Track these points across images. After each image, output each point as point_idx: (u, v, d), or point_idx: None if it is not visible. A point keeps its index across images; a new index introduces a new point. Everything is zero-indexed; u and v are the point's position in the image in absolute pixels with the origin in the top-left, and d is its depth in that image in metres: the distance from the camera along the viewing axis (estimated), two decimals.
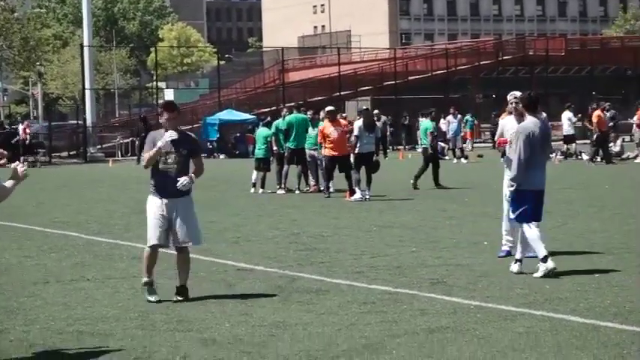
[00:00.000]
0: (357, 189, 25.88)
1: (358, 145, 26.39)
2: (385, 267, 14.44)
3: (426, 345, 9.52)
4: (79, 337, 10.19)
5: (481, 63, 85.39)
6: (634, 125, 43.78)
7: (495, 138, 16.62)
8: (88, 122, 59.48)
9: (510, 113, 15.51)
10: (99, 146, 59.49)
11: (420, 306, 11.44)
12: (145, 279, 12.36)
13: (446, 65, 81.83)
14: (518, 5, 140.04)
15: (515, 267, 13.51)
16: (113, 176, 41.67)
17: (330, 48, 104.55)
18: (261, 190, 28.99)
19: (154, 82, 78.42)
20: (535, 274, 13.07)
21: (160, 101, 60.14)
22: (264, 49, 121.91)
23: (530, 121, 13.61)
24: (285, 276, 13.81)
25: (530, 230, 13.37)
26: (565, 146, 45.41)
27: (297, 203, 25.79)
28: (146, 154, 12.47)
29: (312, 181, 29.15)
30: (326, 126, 26.70)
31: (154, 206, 12.62)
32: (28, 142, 52.02)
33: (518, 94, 16.39)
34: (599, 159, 39.46)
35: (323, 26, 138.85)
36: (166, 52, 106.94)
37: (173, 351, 9.51)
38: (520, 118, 14.75)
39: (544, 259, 13.10)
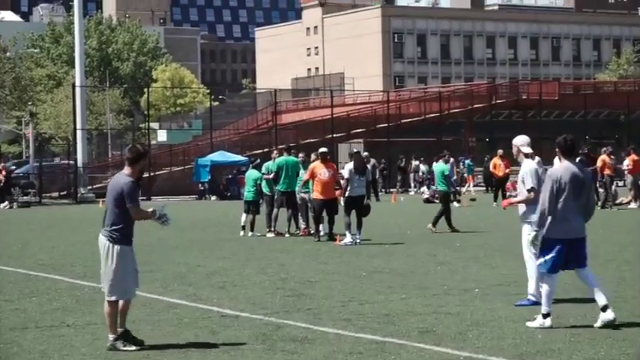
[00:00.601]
0: (347, 233, 25.57)
1: (349, 188, 26.17)
2: (373, 315, 14.05)
3: None
4: None
5: (474, 106, 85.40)
6: (625, 171, 43.55)
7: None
8: (80, 162, 59.10)
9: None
10: (90, 187, 59.04)
11: (409, 357, 11.10)
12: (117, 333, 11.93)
13: (439, 108, 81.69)
14: (511, 49, 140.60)
15: (547, 322, 12.72)
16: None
17: (323, 90, 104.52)
18: (250, 233, 28.66)
19: (147, 123, 78.16)
20: (528, 323, 12.74)
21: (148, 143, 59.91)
22: (257, 91, 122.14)
23: (562, 166, 13.04)
24: (270, 323, 13.42)
25: (549, 281, 12.93)
26: None
27: (287, 247, 25.34)
28: (142, 212, 12.08)
29: (302, 224, 28.81)
30: (317, 166, 26.36)
31: (129, 257, 12.17)
32: (2, 183, 51.00)
33: (522, 139, 16.09)
34: (606, 207, 39.31)
35: (317, 68, 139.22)
36: (160, 93, 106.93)
37: None
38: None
39: (544, 316, 12.72)
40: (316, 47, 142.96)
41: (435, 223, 29.04)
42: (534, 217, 13.08)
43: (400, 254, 23.09)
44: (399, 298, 15.64)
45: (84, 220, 38.96)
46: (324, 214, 26.52)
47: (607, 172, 39.84)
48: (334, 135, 74.51)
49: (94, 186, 59.65)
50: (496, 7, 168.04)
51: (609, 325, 12.41)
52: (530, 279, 15.21)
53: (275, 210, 28.84)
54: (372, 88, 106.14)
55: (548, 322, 12.67)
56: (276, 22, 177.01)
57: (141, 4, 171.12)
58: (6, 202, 50.61)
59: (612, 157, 41.55)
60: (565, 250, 12.87)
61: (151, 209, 12.17)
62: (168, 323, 13.61)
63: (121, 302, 11.96)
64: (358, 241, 25.43)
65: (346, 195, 26.22)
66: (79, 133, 60.12)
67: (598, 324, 12.54)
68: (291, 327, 13.15)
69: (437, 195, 29.71)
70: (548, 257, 12.87)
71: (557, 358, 10.88)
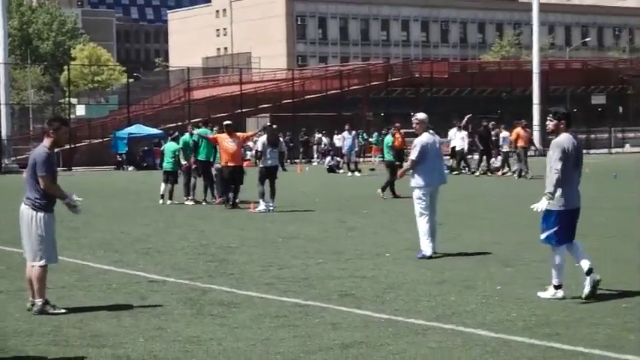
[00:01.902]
0: (261, 201, 25.37)
1: (262, 159, 26.03)
2: (293, 279, 13.72)
3: None
4: None
5: (371, 84, 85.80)
6: (511, 142, 43.84)
7: (413, 156, 16.09)
8: (4, 135, 58.43)
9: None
10: (13, 158, 58.09)
11: (332, 319, 10.76)
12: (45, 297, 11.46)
13: (339, 85, 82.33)
14: (404, 32, 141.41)
15: (559, 293, 11.85)
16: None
17: (232, 68, 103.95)
18: (169, 202, 28.28)
19: (67, 99, 77.43)
20: (540, 294, 11.96)
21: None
22: (170, 69, 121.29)
23: (565, 137, 12.21)
24: (196, 288, 13.03)
25: (557, 255, 12.01)
26: (454, 160, 45.31)
27: (205, 214, 24.95)
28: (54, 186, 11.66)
29: (216, 194, 28.43)
30: (223, 137, 26.14)
31: (53, 223, 11.79)
32: None
33: (420, 115, 16.28)
34: (519, 176, 39.31)
35: (225, 48, 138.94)
36: (78, 71, 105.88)
37: None
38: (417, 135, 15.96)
39: (556, 287, 11.89)
40: (225, 29, 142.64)
41: (384, 189, 28.91)
42: (550, 188, 11.92)
43: (312, 221, 22.86)
44: (316, 263, 15.35)
45: (9, 189, 38.12)
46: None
47: (521, 143, 39.86)
48: (243, 110, 74.61)
49: (18, 157, 58.58)
50: None
51: (596, 285, 11.69)
52: (422, 236, 15.82)
53: (192, 179, 28.51)
54: (278, 67, 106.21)
55: (560, 293, 11.83)
56: (187, 5, 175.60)
57: None
58: None
59: (527, 130, 41.60)
60: (569, 220, 12.08)
61: (68, 193, 11.73)
62: (98, 289, 13.17)
63: (35, 269, 11.47)
64: (272, 208, 25.17)
65: (260, 165, 26.17)
66: (2, 108, 59.36)
67: (586, 289, 11.70)
68: (217, 291, 12.78)
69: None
70: (554, 230, 11.99)
71: (472, 319, 10.63)
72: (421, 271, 14.21)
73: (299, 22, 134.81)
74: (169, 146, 29.41)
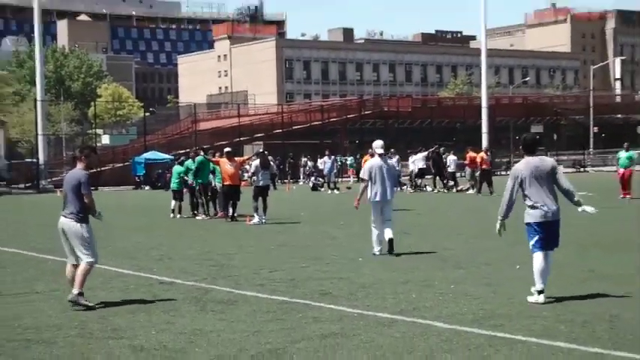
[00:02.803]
0: (255, 215, 25.35)
1: (254, 179, 26.17)
2: (282, 280, 13.66)
3: (321, 350, 8.82)
4: (26, 345, 9.29)
5: (348, 116, 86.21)
6: (466, 165, 43.83)
7: (361, 175, 17.15)
8: (41, 160, 58.38)
9: (372, 155, 16.08)
10: (49, 179, 57.96)
11: (313, 314, 10.71)
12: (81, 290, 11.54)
13: (321, 118, 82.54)
14: (375, 73, 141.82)
15: (540, 298, 11.21)
16: (60, 203, 40.22)
17: (231, 104, 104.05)
18: (178, 216, 28.22)
19: (94, 130, 77.35)
20: (529, 298, 11.34)
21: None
22: (180, 105, 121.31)
23: (522, 162, 11.72)
24: (200, 288, 12.96)
25: (537, 260, 11.43)
26: (419, 180, 45.28)
27: (208, 227, 24.85)
28: (92, 202, 11.92)
29: (218, 209, 28.31)
30: (223, 162, 26.23)
31: (92, 231, 11.94)
32: None
33: (378, 142, 16.59)
34: (480, 193, 38.68)
35: (226, 87, 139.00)
36: (103, 106, 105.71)
37: (107, 357, 8.67)
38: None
39: (539, 292, 11.32)
40: (225, 71, 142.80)
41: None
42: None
43: (298, 231, 22.81)
44: (300, 267, 15.26)
45: (45, 205, 37.98)
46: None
47: (484, 166, 39.69)
48: (241, 138, 74.87)
49: (52, 179, 58.44)
50: (363, 41, 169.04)
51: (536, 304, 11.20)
52: (372, 239, 16.81)
53: (195, 198, 28.49)
54: (269, 103, 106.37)
55: (541, 298, 11.22)
56: (194, 51, 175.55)
57: (87, 36, 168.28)
58: None
59: (488, 154, 41.43)
60: (544, 232, 11.54)
61: (97, 210, 11.96)
62: (117, 289, 13.10)
63: (81, 268, 11.53)
64: (264, 221, 25.11)
65: (254, 185, 26.24)
66: (40, 138, 59.38)
67: (531, 299, 11.33)
68: (218, 291, 12.69)
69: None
70: (533, 240, 11.62)
71: (430, 313, 10.59)
72: (388, 273, 14.16)
73: (287, 66, 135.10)
74: (176, 169, 29.45)
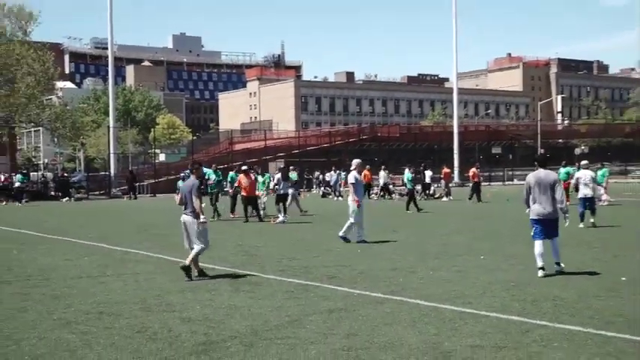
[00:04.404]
0: (280, 216, 25.22)
1: (277, 188, 26.06)
2: (298, 267, 13.59)
3: (328, 321, 8.75)
4: (99, 317, 9.23)
5: (349, 140, 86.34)
6: (442, 178, 43.71)
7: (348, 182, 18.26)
8: (112, 173, 58.42)
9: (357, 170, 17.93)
10: (118, 188, 57.95)
11: (323, 294, 10.63)
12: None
13: (329, 141, 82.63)
14: (371, 106, 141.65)
15: (540, 273, 11.85)
16: (127, 207, 40.21)
17: (259, 130, 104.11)
18: (216, 218, 27.50)
19: (153, 149, 77.44)
20: (539, 274, 11.79)
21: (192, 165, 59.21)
22: (220, 131, 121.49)
23: (532, 174, 12.39)
24: (234, 274, 12.86)
25: (535, 246, 12.11)
26: (405, 189, 45.14)
27: (241, 226, 24.60)
28: (200, 204, 12.30)
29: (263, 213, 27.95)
30: (242, 177, 26.06)
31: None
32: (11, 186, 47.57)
33: (357, 160, 18.27)
34: (470, 200, 38.11)
35: (255, 117, 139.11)
36: (160, 132, 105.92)
37: (162, 326, 8.61)
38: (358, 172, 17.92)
39: (540, 269, 11.87)
40: (255, 104, 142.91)
41: (407, 207, 30.34)
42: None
43: (311, 229, 22.70)
44: (313, 256, 15.18)
45: (116, 209, 37.99)
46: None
47: (475, 179, 39.37)
48: (267, 157, 74.68)
49: (121, 188, 58.46)
50: (361, 81, 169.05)
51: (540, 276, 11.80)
52: (348, 226, 17.77)
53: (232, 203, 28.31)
54: (289, 129, 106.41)
55: (540, 273, 11.81)
56: (231, 89, 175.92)
57: (149, 78, 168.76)
58: (67, 197, 49.55)
59: (479, 168, 41.02)
60: (542, 225, 12.16)
61: (203, 216, 12.32)
62: (171, 274, 12.98)
63: (194, 253, 12.28)
64: (286, 220, 24.99)
65: (276, 193, 26.14)
66: (111, 156, 59.45)
67: (540, 274, 11.82)
68: (248, 275, 12.62)
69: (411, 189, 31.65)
70: (533, 231, 12.28)
71: (414, 293, 10.48)
72: (381, 262, 14.07)
73: (303, 100, 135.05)
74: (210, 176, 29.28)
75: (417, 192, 43.85)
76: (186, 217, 12.33)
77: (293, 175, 27.29)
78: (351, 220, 17.84)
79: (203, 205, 12.44)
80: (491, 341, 7.66)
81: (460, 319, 8.78)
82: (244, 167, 27.31)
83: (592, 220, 21.20)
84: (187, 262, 12.17)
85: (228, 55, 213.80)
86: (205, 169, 26.14)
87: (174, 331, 8.36)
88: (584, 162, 23.57)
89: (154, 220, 27.07)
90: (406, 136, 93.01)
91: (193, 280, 12.02)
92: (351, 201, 17.98)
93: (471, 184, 40.11)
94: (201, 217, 12.22)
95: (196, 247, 12.20)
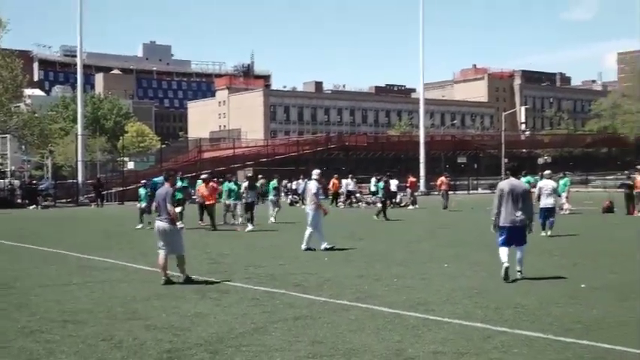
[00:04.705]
0: (249, 224, 25.12)
1: (244, 196, 26.00)
2: (264, 275, 13.54)
3: (294, 328, 8.73)
4: (64, 325, 9.10)
5: (317, 149, 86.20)
6: (408, 187, 43.86)
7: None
8: (80, 181, 57.74)
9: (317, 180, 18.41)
10: (86, 196, 57.21)
11: (289, 301, 10.61)
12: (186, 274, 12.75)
13: (297, 150, 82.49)
14: (339, 115, 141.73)
15: (505, 264, 12.33)
16: (94, 215, 39.76)
17: (228, 138, 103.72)
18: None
19: (122, 157, 76.85)
20: (502, 271, 12.29)
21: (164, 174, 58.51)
22: (189, 139, 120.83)
23: (505, 181, 12.73)
24: (201, 281, 12.77)
25: (501, 252, 12.43)
26: (373, 198, 45.42)
27: (207, 233, 24.48)
28: (173, 210, 12.60)
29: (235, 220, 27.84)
30: (202, 186, 26.34)
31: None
32: None
33: (317, 171, 18.78)
34: (446, 209, 37.70)
35: (224, 126, 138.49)
36: (129, 140, 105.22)
37: (127, 334, 8.51)
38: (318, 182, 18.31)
39: (504, 265, 12.28)
40: (224, 113, 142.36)
41: (378, 215, 30.60)
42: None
43: (278, 237, 22.61)
44: (279, 264, 15.14)
45: (83, 216, 37.58)
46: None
47: (444, 187, 39.45)
48: (236, 165, 74.43)
49: (88, 195, 57.77)
50: (330, 91, 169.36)
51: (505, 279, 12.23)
52: (309, 236, 17.95)
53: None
54: (258, 138, 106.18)
55: (505, 265, 12.27)
56: (200, 98, 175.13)
57: (118, 86, 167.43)
58: (34, 205, 48.92)
59: (448, 177, 41.01)
60: (508, 233, 12.45)
61: (179, 222, 12.84)
62: (137, 281, 12.90)
63: (177, 259, 12.63)
64: (251, 228, 24.81)
65: (244, 201, 26.08)
66: (79, 164, 58.80)
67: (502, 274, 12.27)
68: (215, 283, 12.55)
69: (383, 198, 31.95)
70: (499, 237, 12.57)
71: (378, 300, 10.51)
72: (347, 270, 14.09)
73: (271, 110, 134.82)
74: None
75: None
76: (161, 224, 12.46)
77: (265, 183, 27.30)
78: (310, 229, 18.07)
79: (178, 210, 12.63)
80: (453, 348, 7.70)
81: (423, 325, 8.81)
82: (204, 175, 27.36)
83: (549, 233, 21.30)
84: (183, 275, 12.60)
85: (198, 64, 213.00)
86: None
87: (140, 338, 8.28)
88: (546, 172, 23.74)
89: (121, 228, 26.83)
90: (373, 146, 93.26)
91: (166, 285, 12.12)
92: (310, 209, 18.17)
93: (440, 193, 40.35)
94: (178, 223, 12.49)
95: (176, 254, 12.52)
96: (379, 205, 32.51)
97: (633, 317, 9.19)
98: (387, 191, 32.42)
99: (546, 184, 22.02)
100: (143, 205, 27.21)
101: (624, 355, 7.40)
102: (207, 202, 25.76)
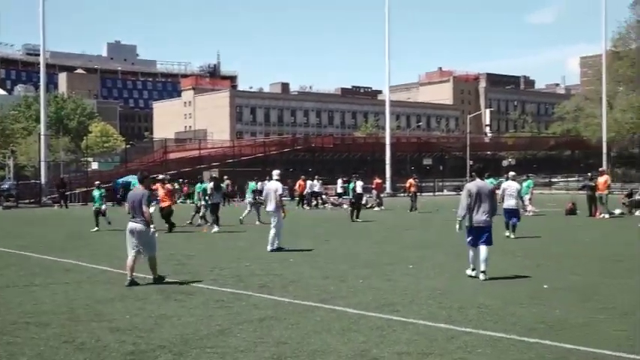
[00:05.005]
0: (215, 225, 25.01)
1: (210, 198, 25.90)
2: (230, 276, 13.50)
3: (259, 329, 8.70)
4: (26, 327, 8.98)
5: (284, 150, 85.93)
6: (373, 188, 43.96)
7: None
8: (43, 181, 56.92)
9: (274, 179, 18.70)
10: (49, 196, 56.45)
11: (254, 302, 10.58)
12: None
13: (263, 151, 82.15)
14: (305, 117, 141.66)
15: (471, 272, 12.93)
16: (58, 215, 39.25)
17: (194, 139, 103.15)
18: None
19: (85, 158, 75.95)
20: (467, 271, 12.99)
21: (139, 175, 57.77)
22: (154, 139, 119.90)
23: (473, 183, 13.03)
24: (166, 282, 12.69)
25: (470, 251, 12.93)
26: (339, 199, 45.62)
27: (173, 234, 24.31)
28: (150, 213, 12.65)
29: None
30: (158, 187, 25.91)
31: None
32: None
33: (277, 171, 19.10)
34: (412, 211, 37.61)
35: (190, 126, 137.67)
36: (93, 140, 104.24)
37: (90, 336, 8.42)
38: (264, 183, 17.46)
39: (472, 269, 12.88)
40: (190, 113, 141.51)
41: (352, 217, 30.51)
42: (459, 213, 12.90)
43: (244, 237, 22.53)
44: (245, 266, 15.09)
45: (46, 217, 37.08)
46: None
47: (412, 189, 39.47)
48: (202, 166, 73.97)
49: (51, 196, 57.02)
50: (296, 92, 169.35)
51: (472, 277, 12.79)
52: (273, 237, 18.11)
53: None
54: (224, 139, 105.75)
55: (469, 271, 12.90)
56: (166, 98, 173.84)
57: (82, 86, 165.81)
58: None
59: (417, 179, 40.96)
60: (476, 233, 12.81)
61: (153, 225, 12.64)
62: (101, 283, 12.79)
63: (149, 260, 12.64)
64: (217, 229, 24.73)
65: (210, 202, 25.96)
66: (42, 164, 57.92)
67: (468, 272, 12.92)
68: (179, 284, 12.48)
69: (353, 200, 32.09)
70: (467, 237, 12.94)
71: (343, 301, 10.53)
72: (312, 271, 14.10)
73: (238, 110, 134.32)
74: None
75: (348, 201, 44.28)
76: (136, 225, 12.47)
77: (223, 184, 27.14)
78: (274, 230, 18.20)
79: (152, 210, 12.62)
80: (417, 348, 7.74)
81: (388, 326, 8.84)
82: (161, 177, 27.07)
83: (512, 235, 21.45)
84: (155, 275, 12.61)
85: (164, 64, 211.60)
86: (132, 179, 25.60)
87: (103, 340, 8.19)
88: (511, 173, 23.93)
89: (85, 229, 26.52)
90: (340, 147, 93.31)
91: (130, 287, 12.07)
92: (272, 209, 18.29)
93: (408, 195, 40.51)
94: (151, 225, 12.49)
95: (149, 255, 12.54)
96: (345, 206, 32.60)
97: (595, 318, 9.33)
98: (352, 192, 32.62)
99: (510, 185, 22.21)
100: (98, 206, 26.82)
101: (586, 355, 7.50)
102: (161, 205, 25.41)
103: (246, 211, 29.71)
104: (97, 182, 28.57)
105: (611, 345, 7.82)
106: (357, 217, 30.60)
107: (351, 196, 32.55)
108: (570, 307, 10.07)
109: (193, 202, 27.78)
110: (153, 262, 12.64)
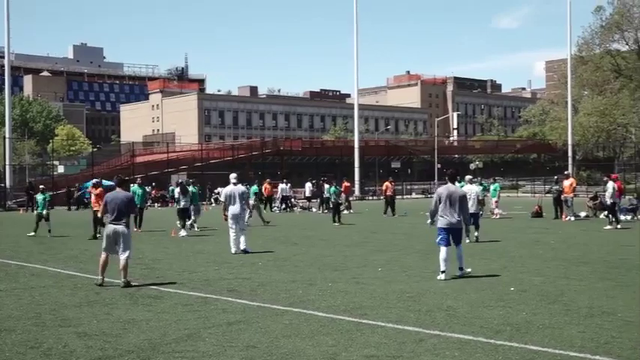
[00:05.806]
0: (182, 230, 24.91)
1: (177, 203, 25.88)
2: (198, 280, 13.44)
3: (227, 334, 8.69)
4: None
5: (252, 153, 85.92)
6: (342, 192, 43.96)
7: (221, 198, 19.50)
8: (8, 185, 56.16)
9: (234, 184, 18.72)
10: (14, 200, 55.70)
11: (222, 306, 10.55)
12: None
13: (232, 154, 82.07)
14: (274, 120, 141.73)
15: (442, 276, 13.11)
16: (23, 220, 38.72)
17: (162, 143, 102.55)
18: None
19: (52, 161, 75.13)
20: (437, 277, 13.15)
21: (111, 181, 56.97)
22: (121, 143, 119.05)
23: (443, 187, 13.58)
24: (134, 286, 12.60)
25: (441, 252, 13.26)
26: (308, 203, 45.75)
27: (141, 238, 24.04)
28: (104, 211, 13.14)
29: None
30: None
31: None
32: None
33: (233, 174, 19.09)
34: (385, 215, 37.56)
35: (158, 129, 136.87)
36: (59, 143, 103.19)
37: (57, 342, 8.33)
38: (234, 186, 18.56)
39: (442, 272, 13.12)
40: (158, 117, 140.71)
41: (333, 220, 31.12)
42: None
43: (212, 241, 22.44)
44: (214, 269, 15.05)
45: (12, 221, 36.58)
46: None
47: (389, 192, 39.25)
48: (169, 169, 73.52)
49: (17, 200, 56.26)
50: (265, 96, 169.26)
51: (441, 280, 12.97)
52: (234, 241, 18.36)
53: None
54: (192, 142, 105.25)
55: (442, 276, 13.06)
56: (133, 101, 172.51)
57: (48, 88, 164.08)
58: None
59: (393, 183, 40.99)
60: (445, 233, 13.30)
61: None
62: (67, 288, 12.62)
63: (125, 260, 12.66)
64: (185, 234, 24.64)
65: (177, 207, 25.91)
66: (7, 167, 57.13)
67: (440, 277, 13.10)
68: (147, 288, 12.40)
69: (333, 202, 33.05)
70: (438, 238, 13.41)
71: (312, 305, 10.53)
72: (281, 274, 14.10)
73: (206, 114, 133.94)
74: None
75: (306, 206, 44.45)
76: (119, 227, 12.66)
77: (193, 188, 26.92)
78: (235, 233, 18.56)
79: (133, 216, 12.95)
80: (386, 351, 7.79)
81: (357, 330, 8.87)
82: (95, 180, 26.34)
83: (476, 234, 21.62)
84: (125, 279, 12.55)
85: (131, 67, 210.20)
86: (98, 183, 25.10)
87: (70, 346, 8.12)
88: (467, 177, 23.72)
89: (51, 234, 26.20)
90: (308, 150, 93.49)
91: (98, 291, 11.97)
92: (237, 212, 18.58)
93: (383, 199, 40.53)
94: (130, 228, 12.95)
95: (126, 255, 12.61)
96: (314, 209, 32.65)
97: (560, 319, 9.46)
98: (319, 195, 32.80)
99: (470, 189, 22.14)
100: (40, 211, 26.05)
101: (551, 356, 7.61)
102: (94, 208, 24.88)
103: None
104: (42, 187, 27.84)
105: (576, 346, 7.94)
106: (337, 219, 31.09)
107: (333, 199, 32.86)
108: (536, 309, 10.20)
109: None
110: (127, 264, 12.65)
